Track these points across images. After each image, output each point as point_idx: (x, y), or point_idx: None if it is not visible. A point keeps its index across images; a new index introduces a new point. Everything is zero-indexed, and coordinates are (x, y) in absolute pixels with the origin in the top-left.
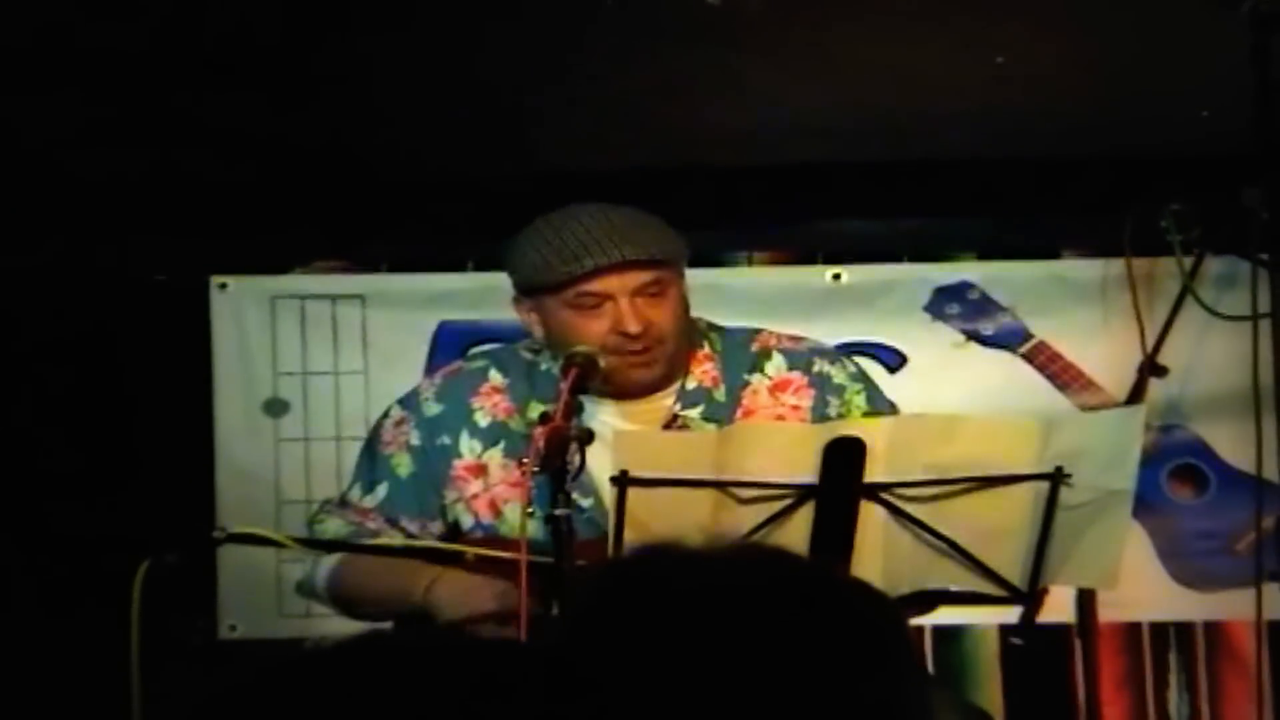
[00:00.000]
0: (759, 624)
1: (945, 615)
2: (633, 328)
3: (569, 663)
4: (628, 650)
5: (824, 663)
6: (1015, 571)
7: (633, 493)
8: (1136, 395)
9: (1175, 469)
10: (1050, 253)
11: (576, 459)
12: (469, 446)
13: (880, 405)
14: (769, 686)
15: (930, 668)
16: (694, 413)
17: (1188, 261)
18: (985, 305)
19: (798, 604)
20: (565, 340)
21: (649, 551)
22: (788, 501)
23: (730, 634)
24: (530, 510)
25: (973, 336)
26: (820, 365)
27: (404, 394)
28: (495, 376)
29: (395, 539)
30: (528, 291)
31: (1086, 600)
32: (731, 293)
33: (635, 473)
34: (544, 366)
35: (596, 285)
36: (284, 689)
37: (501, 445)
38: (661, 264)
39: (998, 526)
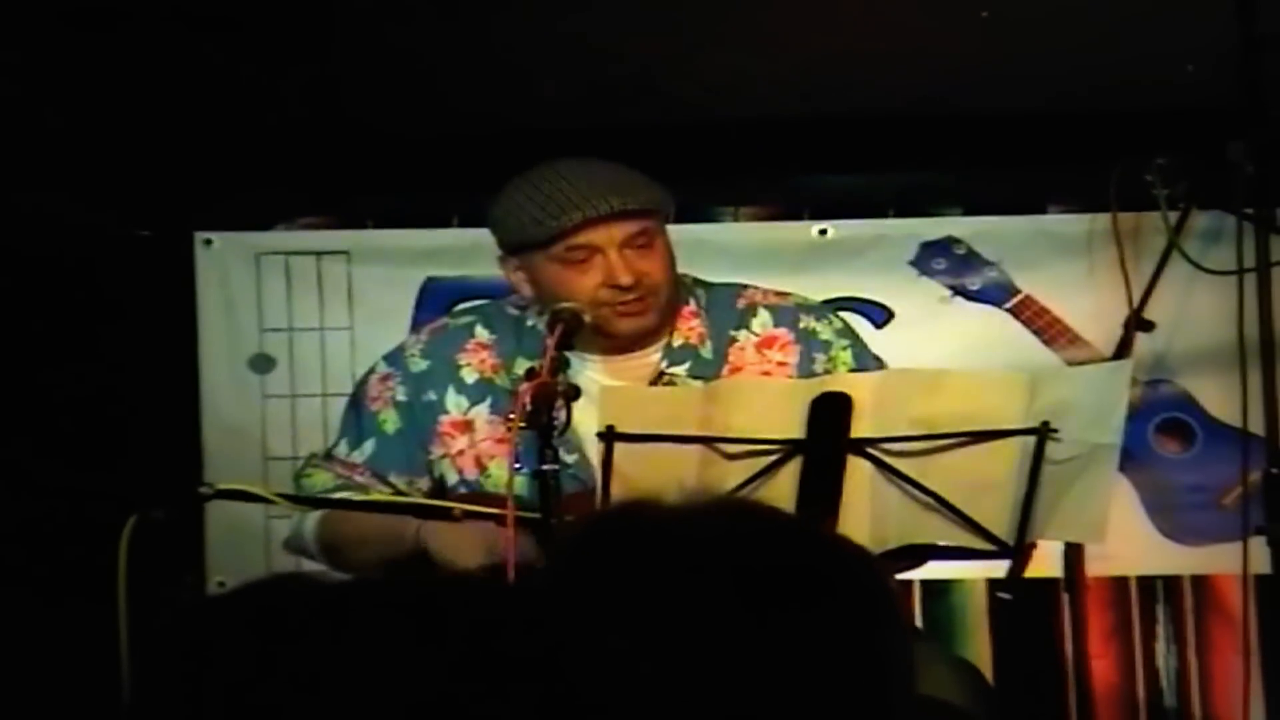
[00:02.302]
0: (740, 579)
1: (933, 570)
2: (625, 279)
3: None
4: (607, 603)
5: (806, 619)
6: (1002, 526)
7: (619, 448)
8: (1123, 350)
9: (1162, 423)
10: (1036, 208)
11: (562, 414)
12: (455, 403)
13: (866, 361)
14: (750, 642)
15: (918, 622)
16: (680, 370)
17: (1173, 216)
18: (971, 260)
19: (779, 559)
20: (555, 296)
21: (631, 507)
22: (774, 457)
23: (711, 589)
24: (517, 466)
25: (959, 291)
26: (806, 321)
27: (390, 350)
28: (481, 333)
29: (383, 494)
30: (513, 249)
31: (1074, 554)
32: (717, 248)
33: (622, 428)
34: (530, 323)
35: (584, 238)
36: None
37: (488, 401)
38: (648, 214)
39: (985, 481)
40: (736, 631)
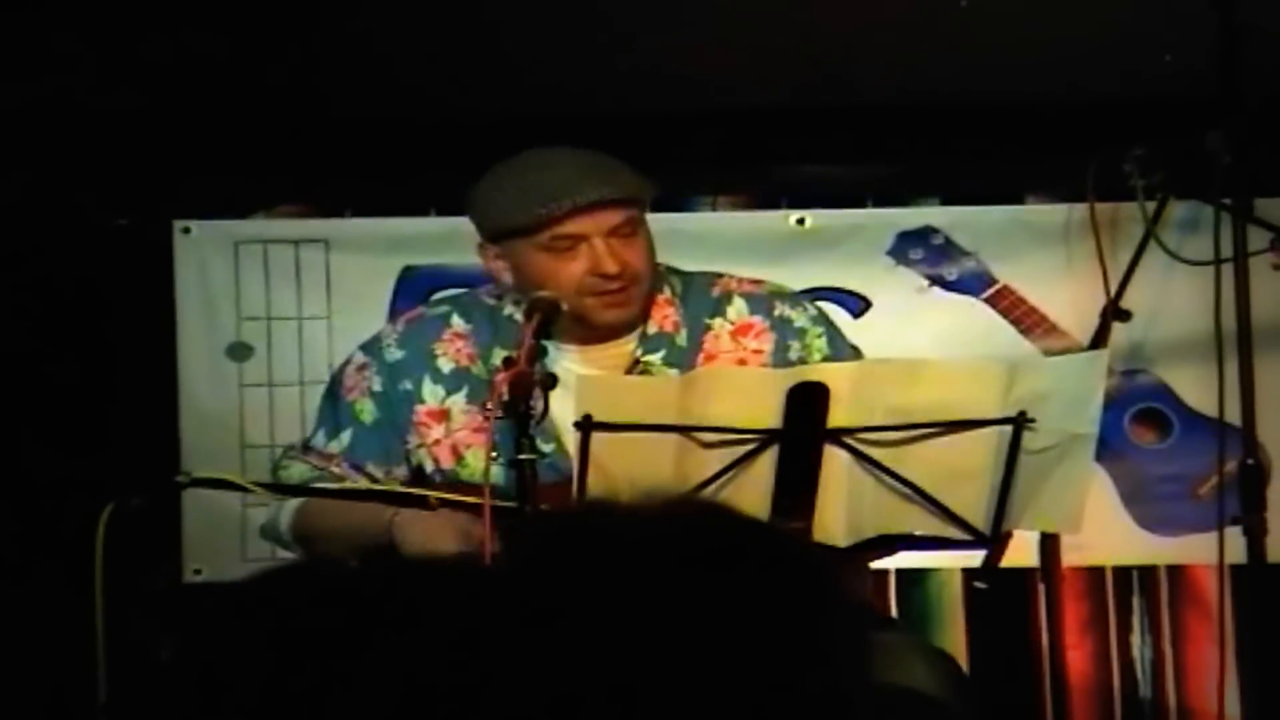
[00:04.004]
0: (689, 578)
1: (909, 559)
2: (611, 268)
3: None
4: (563, 599)
5: (753, 621)
6: (979, 515)
7: (596, 437)
8: (1100, 339)
9: (1138, 413)
10: (1014, 197)
11: (539, 404)
12: (431, 392)
13: (841, 348)
14: (695, 641)
15: (894, 611)
16: (655, 357)
17: (1151, 206)
18: (949, 250)
19: (729, 559)
20: (537, 285)
21: (592, 506)
22: (751, 446)
23: (662, 587)
24: (494, 455)
25: (936, 281)
26: (781, 309)
27: (366, 340)
28: (458, 322)
29: (359, 484)
30: (496, 237)
31: (1050, 544)
32: (694, 238)
33: (599, 417)
34: (507, 312)
35: (571, 227)
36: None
37: (464, 391)
38: (633, 203)
39: (961, 470)
40: (676, 607)
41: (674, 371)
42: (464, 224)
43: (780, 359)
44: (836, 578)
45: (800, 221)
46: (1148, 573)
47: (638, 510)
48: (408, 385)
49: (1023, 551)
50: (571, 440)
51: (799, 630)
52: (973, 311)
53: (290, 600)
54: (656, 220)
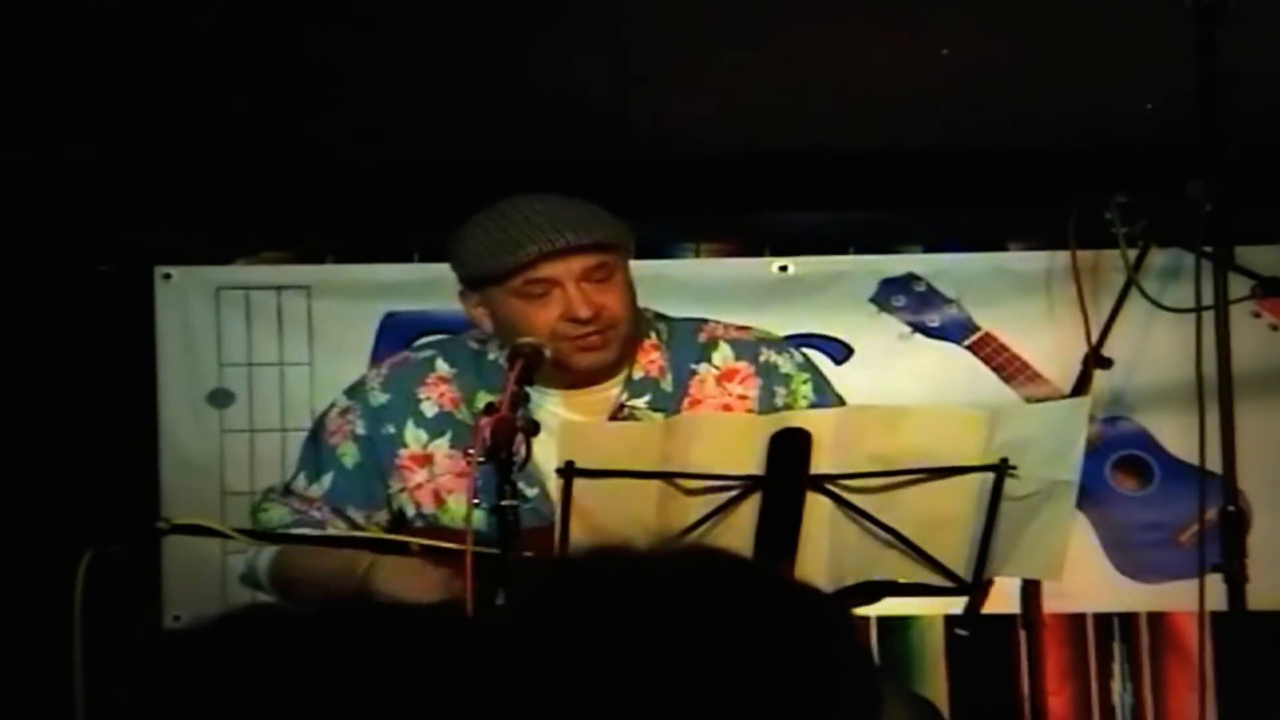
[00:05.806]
0: (706, 631)
1: (891, 606)
2: (583, 312)
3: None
4: (561, 657)
5: (769, 680)
6: (960, 562)
7: (579, 483)
8: (1081, 387)
9: (1119, 460)
10: (996, 245)
11: (522, 450)
12: (415, 436)
13: (826, 394)
14: (710, 691)
15: (875, 658)
16: (641, 402)
17: (1132, 254)
18: (931, 297)
19: (737, 609)
20: (515, 331)
21: (596, 555)
22: (734, 493)
23: (676, 641)
24: (476, 501)
25: (919, 328)
26: (767, 355)
27: (350, 384)
28: (442, 367)
29: (340, 528)
30: (474, 284)
31: (1031, 591)
32: (678, 284)
33: (581, 463)
34: (491, 356)
35: (543, 272)
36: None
37: (448, 435)
38: (606, 248)
39: (943, 517)
40: (688, 682)
41: (659, 416)
42: (446, 270)
43: (766, 405)
44: (854, 632)
45: (783, 268)
46: (1129, 620)
47: (650, 557)
48: (391, 429)
49: (1004, 598)
50: (556, 485)
51: (817, 690)
52: (955, 359)
53: (247, 645)
54: (640, 267)
